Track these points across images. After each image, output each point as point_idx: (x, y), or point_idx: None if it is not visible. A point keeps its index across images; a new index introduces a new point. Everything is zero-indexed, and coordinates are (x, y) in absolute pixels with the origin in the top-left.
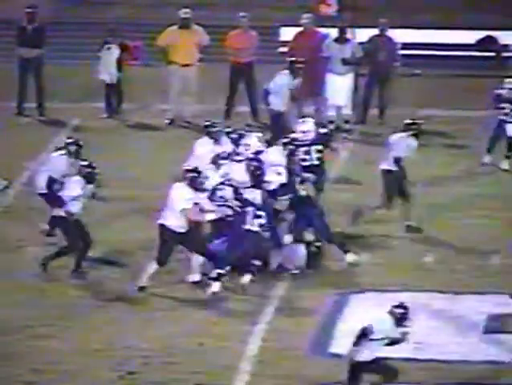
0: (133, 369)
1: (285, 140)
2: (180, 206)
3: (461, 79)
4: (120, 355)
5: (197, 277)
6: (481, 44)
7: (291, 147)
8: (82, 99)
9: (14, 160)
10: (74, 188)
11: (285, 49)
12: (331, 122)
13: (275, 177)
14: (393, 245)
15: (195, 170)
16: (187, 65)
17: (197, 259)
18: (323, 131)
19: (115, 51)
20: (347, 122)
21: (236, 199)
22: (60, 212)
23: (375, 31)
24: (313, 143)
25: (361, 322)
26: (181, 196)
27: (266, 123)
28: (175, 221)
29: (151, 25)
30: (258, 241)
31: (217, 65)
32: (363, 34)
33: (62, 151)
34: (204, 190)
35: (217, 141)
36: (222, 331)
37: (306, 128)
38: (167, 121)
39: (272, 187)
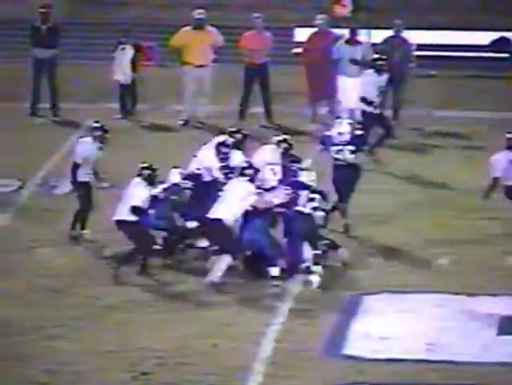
0: (146, 370)
1: (279, 138)
2: (249, 201)
3: (475, 80)
4: (134, 356)
5: (216, 277)
6: (496, 45)
7: (285, 145)
8: (96, 100)
9: (28, 160)
10: (138, 190)
11: (299, 50)
12: None
13: (271, 176)
14: (407, 247)
15: (252, 166)
16: (201, 66)
17: (223, 261)
18: (358, 132)
19: (130, 52)
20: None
21: (288, 184)
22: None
23: (391, 32)
24: (348, 143)
25: (375, 323)
26: (246, 191)
27: (279, 124)
28: (227, 215)
29: (165, 25)
30: (310, 223)
31: (231, 66)
32: (379, 35)
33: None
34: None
35: (224, 160)
36: (236, 332)
37: (342, 130)
38: (181, 122)
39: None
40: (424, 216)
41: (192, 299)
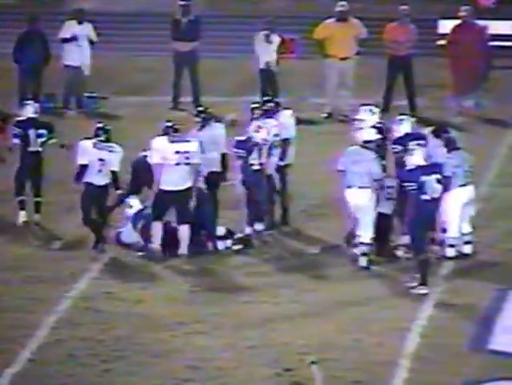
0: (290, 366)
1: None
2: None
3: None
4: (276, 352)
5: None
6: None
7: None
8: (238, 93)
9: None
10: None
11: (443, 42)
12: None
13: None
14: None
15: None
16: (344, 58)
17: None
18: None
19: (271, 44)
20: None
21: None
22: None
23: None
24: None
25: None
26: None
27: (420, 116)
28: None
29: (307, 17)
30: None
31: (374, 58)
32: None
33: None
34: None
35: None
36: (379, 328)
37: None
38: (324, 115)
39: None
40: None
41: (333, 294)
